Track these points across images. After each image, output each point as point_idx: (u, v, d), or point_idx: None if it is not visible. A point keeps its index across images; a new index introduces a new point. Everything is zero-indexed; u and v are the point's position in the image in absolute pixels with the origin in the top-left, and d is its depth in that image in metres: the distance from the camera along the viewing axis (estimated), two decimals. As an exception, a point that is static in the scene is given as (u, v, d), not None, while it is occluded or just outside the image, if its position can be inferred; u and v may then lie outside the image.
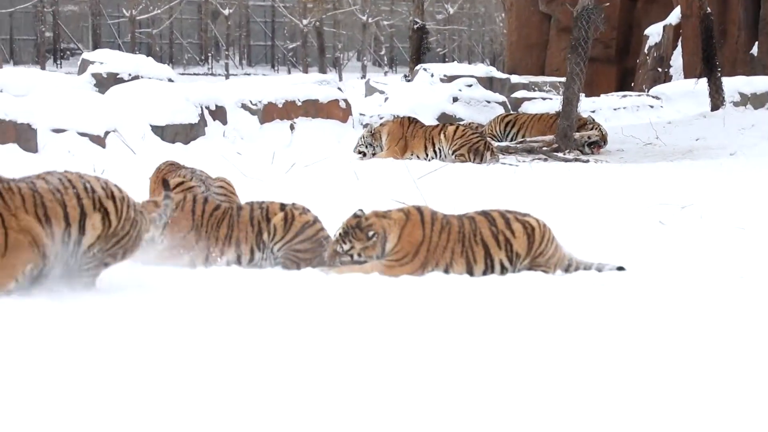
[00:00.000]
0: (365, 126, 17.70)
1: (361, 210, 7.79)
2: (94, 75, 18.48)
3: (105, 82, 18.09)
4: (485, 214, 7.87)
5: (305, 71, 45.89)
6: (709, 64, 21.87)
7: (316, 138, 18.19)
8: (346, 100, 19.73)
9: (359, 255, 7.64)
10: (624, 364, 4.84)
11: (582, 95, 19.04)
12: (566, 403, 4.25)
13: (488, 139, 16.87)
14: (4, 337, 5.09)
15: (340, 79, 41.69)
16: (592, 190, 12.27)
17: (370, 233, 7.58)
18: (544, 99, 24.50)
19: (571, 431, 3.99)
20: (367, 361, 4.82)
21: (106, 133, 15.30)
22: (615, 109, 24.67)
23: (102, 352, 4.86)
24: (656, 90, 26.41)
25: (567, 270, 7.83)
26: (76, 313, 5.73)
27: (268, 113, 18.53)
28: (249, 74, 46.38)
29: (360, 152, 16.35)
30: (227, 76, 43.87)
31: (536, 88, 26.32)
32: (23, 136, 14.23)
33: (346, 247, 7.65)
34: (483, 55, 61.06)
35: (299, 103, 18.90)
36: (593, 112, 22.92)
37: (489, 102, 22.25)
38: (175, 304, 6.12)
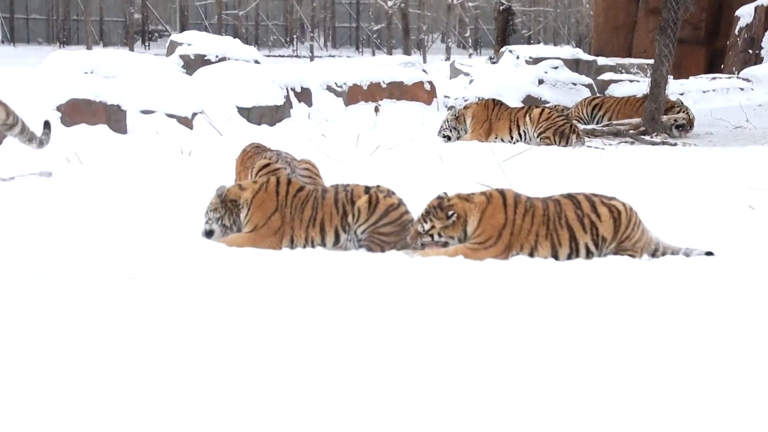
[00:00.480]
0: (449, 109, 17.63)
1: (445, 192, 7.79)
2: (182, 56, 18.70)
3: (193, 64, 18.29)
4: (571, 197, 7.81)
5: (389, 53, 45.83)
6: (801, 46, 21.41)
7: (401, 120, 18.19)
8: (431, 82, 19.68)
9: (439, 235, 7.64)
10: (718, 356, 4.77)
11: (670, 77, 18.77)
12: (657, 395, 4.21)
13: (574, 121, 16.73)
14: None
15: (425, 61, 41.61)
16: (679, 174, 12.10)
17: (450, 213, 7.58)
18: (631, 81, 24.18)
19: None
20: (454, 346, 4.82)
21: (194, 114, 15.47)
22: (704, 92, 24.27)
23: (189, 334, 4.93)
24: (746, 72, 25.92)
25: (654, 254, 7.74)
26: (170, 295, 5.82)
27: (353, 95, 18.57)
28: (333, 56, 46.50)
29: (444, 136, 16.30)
30: (312, 58, 44.05)
31: (623, 71, 25.99)
32: (113, 117, 14.45)
33: (426, 226, 7.65)
34: (569, 37, 60.44)
35: (384, 85, 18.91)
36: (682, 94, 22.58)
37: (575, 84, 22.04)
38: (263, 286, 6.17)
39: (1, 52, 39.32)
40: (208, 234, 8.18)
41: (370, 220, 8.05)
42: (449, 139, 16.24)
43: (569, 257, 7.62)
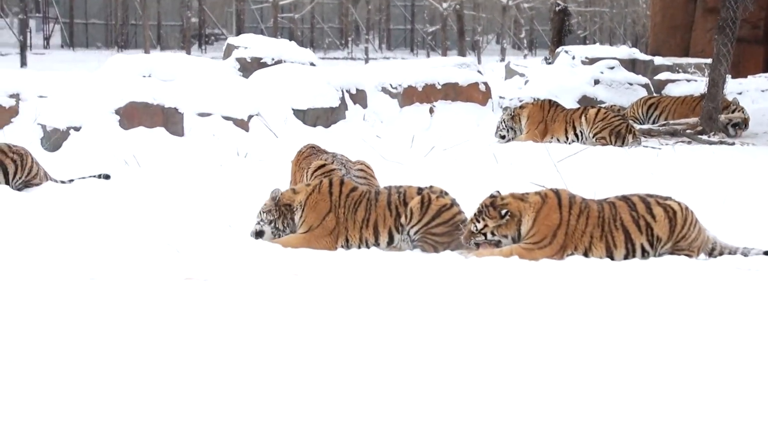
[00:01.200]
0: (505, 109, 17.57)
1: (498, 191, 7.79)
2: (238, 59, 18.81)
3: (249, 67, 18.39)
4: (625, 198, 7.80)
5: (444, 54, 45.79)
6: None
7: (456, 121, 18.16)
8: (485, 83, 19.63)
9: (493, 234, 7.64)
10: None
11: (728, 77, 18.57)
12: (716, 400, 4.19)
13: (630, 121, 16.61)
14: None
15: (479, 62, 41.50)
16: (737, 173, 11.97)
17: (503, 212, 7.58)
18: (688, 81, 23.93)
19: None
20: (509, 346, 4.82)
21: (250, 116, 15.56)
22: (762, 91, 23.95)
23: (243, 333, 4.97)
24: (806, 71, 25.57)
25: (711, 254, 7.69)
26: (225, 295, 5.88)
27: (407, 96, 18.57)
28: (388, 58, 46.54)
29: (501, 136, 16.27)
30: (367, 60, 44.10)
31: (680, 70, 25.72)
32: (170, 119, 14.57)
33: (479, 225, 7.66)
34: (625, 37, 60.01)
35: (439, 87, 18.89)
36: (740, 93, 22.31)
37: (631, 84, 21.86)
38: (317, 286, 6.20)
39: (61, 57, 39.83)
40: (258, 234, 8.24)
41: (423, 220, 8.07)
42: (505, 138, 16.20)
43: (626, 258, 7.59)
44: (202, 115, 15.04)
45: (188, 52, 42.43)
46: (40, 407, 3.89)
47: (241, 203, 9.53)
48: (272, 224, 8.19)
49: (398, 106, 18.42)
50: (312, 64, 19.22)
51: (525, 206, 7.62)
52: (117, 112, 14.22)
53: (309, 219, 8.13)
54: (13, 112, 14.45)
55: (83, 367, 4.33)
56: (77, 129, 13.74)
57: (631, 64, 23.56)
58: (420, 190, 8.25)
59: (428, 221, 8.07)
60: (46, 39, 48.63)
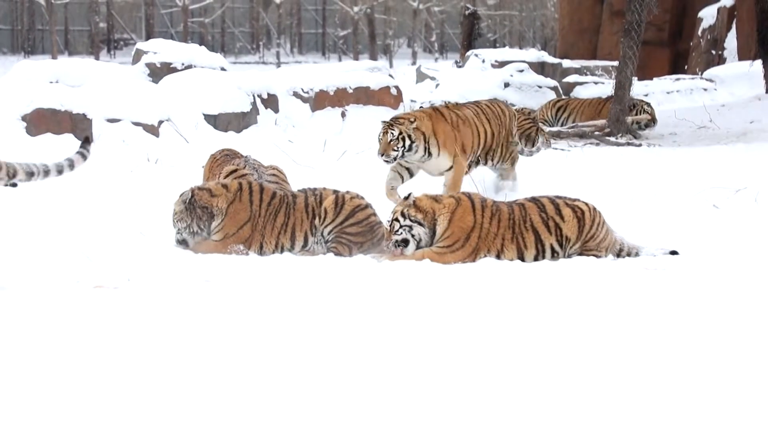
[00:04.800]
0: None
1: (410, 193, 7.84)
2: (147, 65, 18.62)
3: (159, 72, 18.22)
4: (534, 200, 7.92)
5: (356, 58, 45.88)
6: (764, 46, 21.58)
7: (368, 125, 18.18)
8: (397, 87, 19.71)
9: (411, 235, 7.64)
10: (680, 356, 4.82)
11: (635, 79, 18.92)
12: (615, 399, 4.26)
13: (540, 124, 16.83)
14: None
15: (391, 65, 41.69)
16: (644, 174, 12.19)
17: (408, 195, 7.72)
18: (596, 83, 24.34)
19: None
20: (423, 351, 4.85)
21: (160, 122, 15.43)
22: (668, 93, 24.46)
23: (156, 340, 4.93)
24: (710, 73, 26.14)
25: (619, 254, 7.84)
26: (136, 302, 5.83)
27: (319, 101, 18.56)
28: (300, 62, 46.52)
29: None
30: (278, 65, 44.02)
31: (588, 73, 26.15)
32: (79, 126, 14.38)
33: (396, 226, 7.66)
34: (534, 40, 60.70)
35: (350, 91, 18.91)
36: (646, 95, 22.72)
37: (540, 87, 22.13)
38: (230, 293, 6.18)
39: (-34, 63, 39.06)
40: (182, 243, 8.18)
41: (337, 220, 8.11)
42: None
43: (536, 258, 7.70)
44: (111, 120, 14.87)
45: (97, 58, 41.91)
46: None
47: (152, 210, 9.45)
48: (188, 229, 8.13)
49: (310, 111, 18.40)
50: (223, 69, 19.10)
51: (439, 207, 7.68)
52: (23, 118, 14.00)
53: (226, 227, 8.10)
54: None
55: (-9, 379, 4.26)
56: (-18, 136, 13.49)
57: (540, 67, 23.88)
58: (335, 192, 8.31)
59: (342, 221, 8.12)
60: (-50, 45, 47.65)
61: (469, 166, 10.62)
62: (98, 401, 4.04)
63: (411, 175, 10.29)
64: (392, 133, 9.79)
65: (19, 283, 6.31)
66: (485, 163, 11.13)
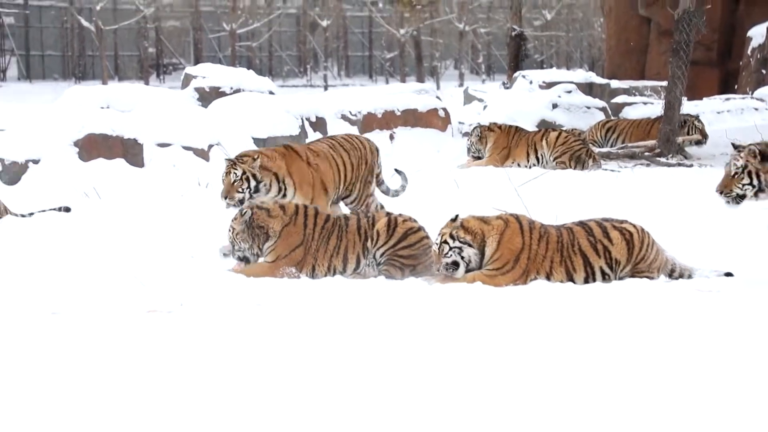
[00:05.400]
0: (473, 129, 17.64)
1: (457, 215, 7.80)
2: (196, 89, 18.77)
3: (207, 96, 18.35)
4: (582, 224, 7.89)
5: (403, 81, 45.96)
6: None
7: (416, 147, 18.22)
8: (445, 109, 19.73)
9: (461, 257, 7.61)
10: (737, 383, 4.76)
11: (684, 99, 18.79)
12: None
13: (590, 145, 16.77)
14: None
15: (438, 87, 41.73)
16: (696, 195, 12.08)
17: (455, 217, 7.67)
18: (645, 104, 24.17)
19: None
20: (480, 378, 4.82)
21: (210, 146, 15.53)
22: (718, 113, 24.22)
23: (210, 364, 4.95)
24: (760, 92, 25.86)
25: (671, 275, 7.77)
26: (190, 326, 5.85)
27: (367, 123, 18.62)
28: (347, 85, 46.68)
29: (476, 157, 16.58)
30: (326, 87, 44.21)
31: (637, 93, 25.98)
32: (130, 151, 14.51)
33: (445, 249, 7.63)
34: (582, 61, 60.53)
35: (398, 113, 18.95)
36: (696, 116, 22.55)
37: (589, 108, 22.03)
38: (281, 316, 6.19)
39: (18, 89, 39.60)
40: (244, 260, 8.23)
41: (389, 242, 8.12)
42: (479, 158, 16.54)
43: (586, 281, 7.65)
44: (161, 145, 14.98)
45: (146, 83, 42.39)
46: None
47: (202, 234, 9.50)
48: (250, 249, 8.17)
49: (358, 133, 18.46)
50: (271, 93, 19.21)
51: (488, 228, 7.65)
52: (76, 144, 14.14)
53: (279, 248, 8.12)
54: (-29, 145, 14.32)
55: (45, 403, 4.29)
56: (36, 162, 13.65)
57: (588, 88, 23.76)
58: (388, 214, 8.33)
59: (394, 243, 8.12)
60: (3, 71, 48.36)
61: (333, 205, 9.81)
62: (153, 426, 4.05)
63: None
64: (235, 173, 8.89)
65: (73, 308, 6.36)
66: (345, 198, 10.12)
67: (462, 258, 7.61)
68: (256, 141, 16.33)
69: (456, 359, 5.02)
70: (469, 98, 24.16)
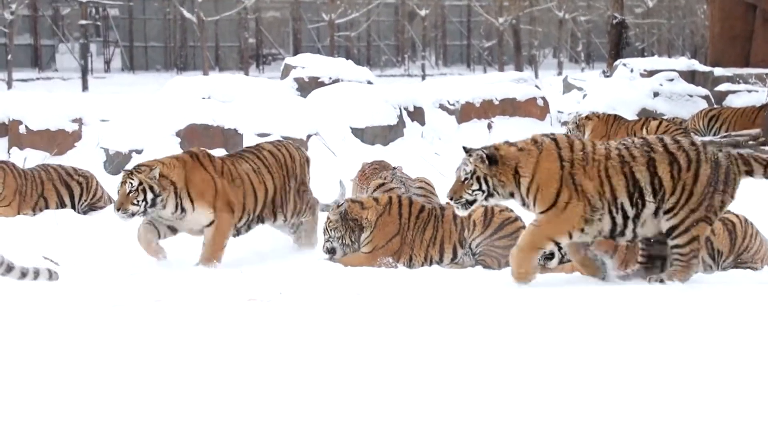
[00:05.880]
0: (571, 116, 17.48)
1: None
2: (296, 79, 18.92)
3: (307, 86, 18.48)
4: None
5: (501, 70, 45.65)
6: None
7: (514, 136, 18.08)
8: (543, 98, 19.59)
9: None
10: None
11: (790, 86, 18.40)
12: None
13: (692, 134, 16.50)
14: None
15: (537, 76, 41.42)
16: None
17: None
18: (749, 92, 23.67)
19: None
20: (586, 370, 4.78)
21: (308, 136, 15.65)
22: (826, 100, 23.64)
23: (310, 352, 4.98)
24: None
25: (777, 267, 7.62)
26: (288, 315, 5.90)
27: (465, 113, 18.58)
28: (445, 74, 46.56)
29: None
30: (424, 77, 44.14)
31: (741, 81, 25.45)
32: (230, 140, 14.71)
33: None
34: (684, 48, 59.50)
35: (496, 102, 18.88)
36: (802, 104, 22.04)
37: (691, 96, 21.68)
38: (381, 306, 6.21)
39: (122, 80, 40.33)
40: (330, 251, 8.29)
41: (486, 233, 8.10)
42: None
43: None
44: (261, 135, 15.15)
45: (246, 73, 42.80)
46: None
47: (302, 223, 9.56)
48: (340, 240, 8.24)
49: (456, 123, 18.43)
50: (369, 82, 19.28)
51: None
52: (178, 134, 14.39)
53: (376, 239, 8.17)
54: (77, 136, 14.68)
55: (154, 387, 4.37)
56: (139, 152, 13.92)
57: (690, 76, 23.35)
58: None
59: (491, 234, 8.10)
60: (107, 63, 49.29)
61: (249, 226, 8.87)
62: (254, 412, 4.10)
63: (174, 231, 8.61)
64: (131, 183, 8.17)
65: (174, 296, 6.46)
66: (275, 221, 9.12)
67: (559, 248, 7.56)
68: (354, 131, 16.42)
69: (560, 351, 4.98)
70: (568, 87, 23.93)
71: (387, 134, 16.82)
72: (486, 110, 18.78)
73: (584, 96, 21.60)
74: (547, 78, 34.77)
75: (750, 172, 6.79)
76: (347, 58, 24.30)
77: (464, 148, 7.21)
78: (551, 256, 7.58)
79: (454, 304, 6.21)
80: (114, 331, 5.36)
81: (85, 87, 33.72)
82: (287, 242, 8.82)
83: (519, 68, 43.42)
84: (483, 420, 3.99)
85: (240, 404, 4.18)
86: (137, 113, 14.77)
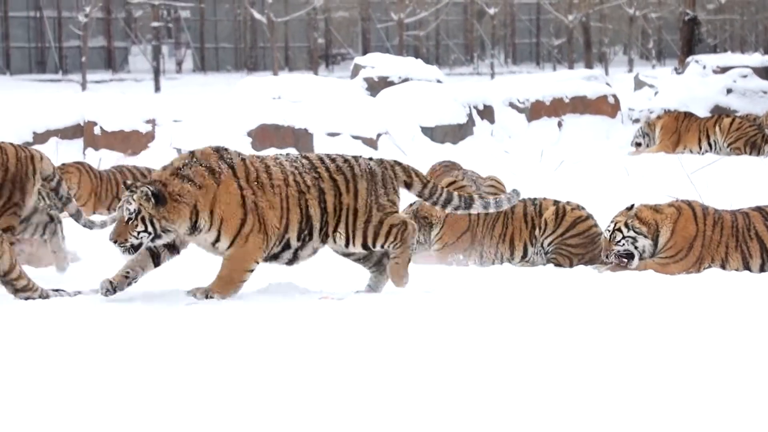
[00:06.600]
0: (642, 113, 17.38)
1: (633, 204, 7.72)
2: (365, 79, 18.98)
3: (376, 86, 18.54)
4: (759, 209, 7.70)
5: (571, 67, 45.32)
6: None
7: (585, 134, 18.03)
8: (614, 96, 19.45)
9: (635, 247, 7.53)
10: None
11: None
12: None
13: (767, 131, 16.28)
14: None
15: (607, 73, 41.06)
16: None
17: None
18: (825, 88, 23.28)
19: None
20: (647, 368, 4.76)
21: (378, 135, 15.71)
22: None
23: (381, 350, 5.02)
24: None
25: None
26: (356, 314, 5.95)
27: (535, 111, 18.51)
28: (514, 72, 46.34)
29: (637, 144, 16.35)
30: (493, 75, 44.00)
31: (816, 76, 25.05)
32: (301, 140, 14.82)
33: (617, 237, 7.57)
34: (757, 44, 58.60)
35: (567, 100, 18.78)
36: None
37: (765, 92, 21.34)
38: (450, 304, 6.22)
39: (193, 81, 40.72)
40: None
41: (558, 231, 8.08)
42: (640, 146, 16.30)
43: (762, 268, 7.46)
44: (331, 134, 15.24)
45: (316, 73, 42.96)
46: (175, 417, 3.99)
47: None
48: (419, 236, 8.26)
49: (526, 121, 18.37)
50: (438, 81, 19.28)
51: (661, 217, 7.54)
52: (249, 134, 14.52)
53: (445, 236, 8.23)
54: (150, 137, 14.88)
55: (220, 382, 4.43)
56: (211, 151, 14.04)
57: (764, 72, 22.99)
58: (556, 202, 8.27)
59: (563, 232, 8.08)
60: (179, 64, 49.79)
61: None
62: (326, 406, 4.15)
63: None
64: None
65: (250, 292, 6.54)
66: None
67: (636, 248, 7.53)
68: (424, 130, 16.45)
69: (629, 349, 4.96)
70: (639, 84, 23.70)
71: (457, 133, 16.82)
72: (556, 108, 18.70)
73: (656, 93, 21.39)
74: (618, 75, 34.52)
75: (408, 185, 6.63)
76: (416, 58, 24.28)
77: (125, 183, 6.51)
78: (630, 256, 7.54)
79: (525, 302, 6.20)
80: (195, 328, 5.45)
81: (157, 88, 34.15)
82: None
83: (589, 66, 43.05)
84: (566, 417, 4.00)
85: (318, 400, 4.23)
86: (209, 113, 14.93)
